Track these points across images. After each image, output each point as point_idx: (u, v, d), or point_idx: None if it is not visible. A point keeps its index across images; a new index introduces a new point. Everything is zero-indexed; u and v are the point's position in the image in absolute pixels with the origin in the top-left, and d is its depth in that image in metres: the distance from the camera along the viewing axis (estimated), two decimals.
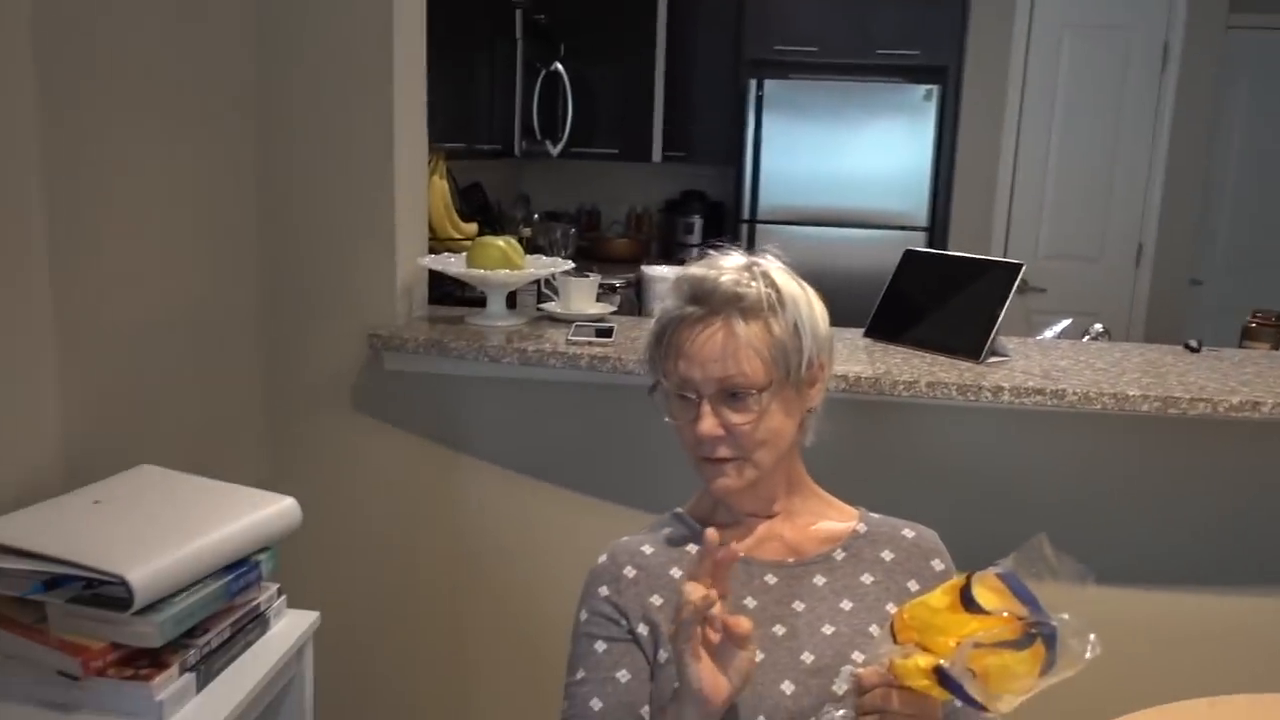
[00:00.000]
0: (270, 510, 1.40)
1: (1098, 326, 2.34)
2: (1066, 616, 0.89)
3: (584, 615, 1.24)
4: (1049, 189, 4.54)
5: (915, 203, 4.47)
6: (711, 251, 1.24)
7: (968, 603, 0.93)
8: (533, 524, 2.04)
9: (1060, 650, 0.88)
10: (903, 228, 4.45)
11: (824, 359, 1.22)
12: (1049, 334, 2.40)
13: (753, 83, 4.45)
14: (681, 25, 4.68)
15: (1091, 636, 0.88)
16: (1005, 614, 0.91)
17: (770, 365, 1.15)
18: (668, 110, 4.75)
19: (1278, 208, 4.90)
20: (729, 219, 4.88)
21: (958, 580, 0.96)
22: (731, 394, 1.15)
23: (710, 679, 1.01)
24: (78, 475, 1.47)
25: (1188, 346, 2.06)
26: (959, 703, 0.93)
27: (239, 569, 1.32)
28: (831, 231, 4.49)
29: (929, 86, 4.40)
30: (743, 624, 1.01)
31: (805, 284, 1.23)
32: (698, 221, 4.98)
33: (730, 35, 4.68)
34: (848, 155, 4.47)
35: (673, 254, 4.87)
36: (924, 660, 0.93)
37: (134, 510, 1.36)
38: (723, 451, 1.17)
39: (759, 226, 4.54)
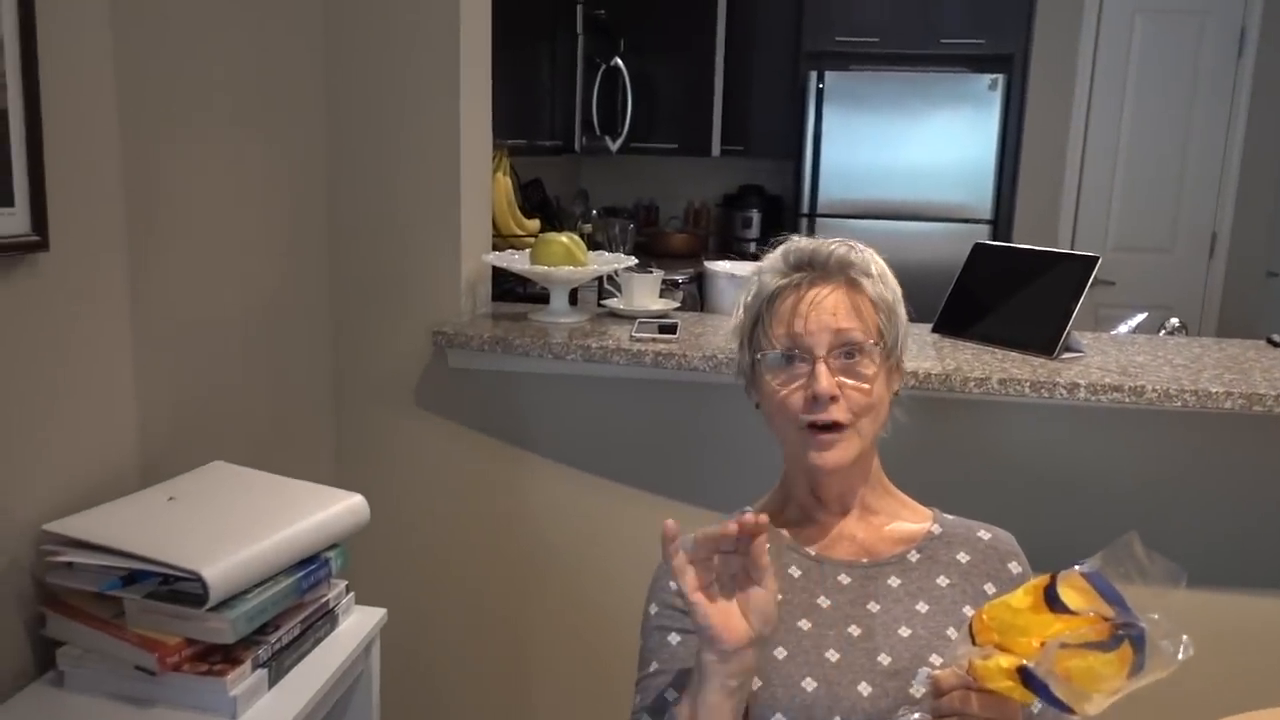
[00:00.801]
0: (339, 507, 1.41)
1: (1174, 321, 2.27)
2: (1156, 617, 0.86)
3: (654, 609, 1.23)
4: (1118, 179, 4.43)
5: (979, 195, 4.38)
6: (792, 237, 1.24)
7: (1052, 602, 0.90)
8: (596, 522, 2.04)
9: (1150, 652, 0.85)
10: (966, 220, 4.37)
11: (905, 347, 1.22)
12: (1123, 329, 2.33)
13: (813, 75, 4.40)
14: (741, 18, 4.64)
15: (1184, 638, 0.84)
16: (1091, 614, 0.88)
17: (885, 325, 1.17)
18: (726, 104, 4.72)
19: None
20: (788, 213, 4.83)
21: (1041, 580, 0.93)
22: (847, 353, 1.15)
23: (723, 620, 0.97)
24: (153, 472, 1.49)
25: (1270, 341, 1.99)
26: (1040, 705, 0.90)
27: (309, 566, 1.34)
28: (893, 225, 4.42)
29: (994, 75, 4.31)
30: (759, 529, 0.95)
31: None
32: (756, 216, 4.94)
33: (790, 27, 4.63)
34: (910, 147, 4.40)
35: (731, 249, 4.84)
36: (1006, 661, 0.90)
37: (207, 507, 1.37)
38: (836, 413, 1.14)
39: (819, 220, 4.50)
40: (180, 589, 1.18)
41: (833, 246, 1.19)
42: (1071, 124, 4.39)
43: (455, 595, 2.14)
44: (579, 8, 3.44)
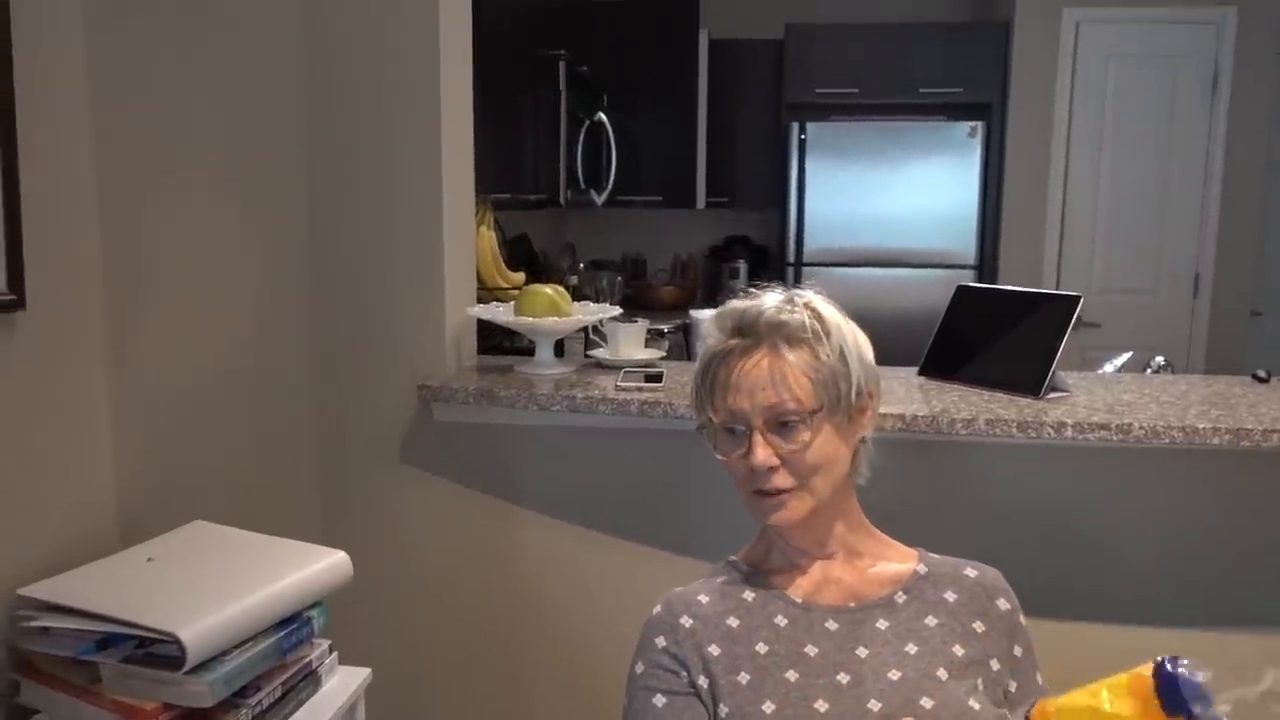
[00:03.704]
0: (322, 565, 1.39)
1: (1159, 359, 2.27)
2: None
3: (640, 668, 1.21)
4: (1100, 222, 4.47)
5: (963, 241, 4.42)
6: (752, 290, 1.24)
7: (1172, 705, 0.83)
8: (586, 574, 2.01)
9: None
10: (951, 266, 4.40)
11: (872, 388, 1.21)
12: (1109, 368, 2.34)
13: (795, 126, 4.45)
14: (722, 72, 4.71)
15: None
16: None
17: (819, 390, 1.15)
18: (710, 156, 4.77)
19: None
20: (774, 263, 4.86)
21: (1142, 673, 0.86)
22: (782, 422, 1.14)
23: None
24: (131, 532, 1.47)
25: (1256, 377, 1.99)
26: None
27: (291, 625, 1.31)
28: (879, 272, 4.45)
29: (973, 123, 4.37)
30: None
31: (848, 317, 1.22)
32: (743, 266, 4.96)
33: (771, 80, 4.69)
34: (893, 195, 4.44)
35: (719, 300, 4.84)
36: None
37: (186, 567, 1.35)
38: (778, 481, 1.15)
39: (805, 269, 4.52)
40: (157, 652, 1.16)
41: (765, 307, 1.17)
42: (1051, 169, 4.44)
43: (443, 653, 2.10)
44: (561, 64, 3.48)
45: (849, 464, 1.20)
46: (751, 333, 1.16)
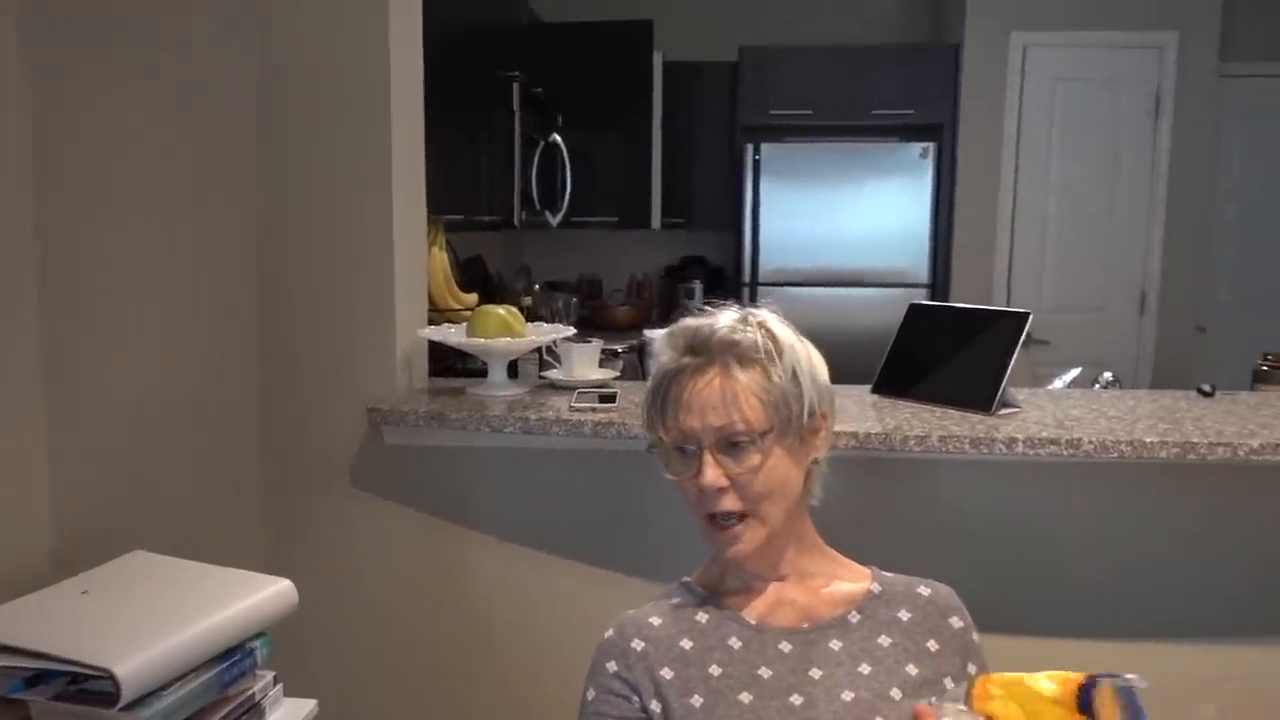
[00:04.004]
0: (265, 594, 1.35)
1: (1107, 375, 2.30)
2: None
3: (591, 694, 1.19)
4: (1049, 241, 4.53)
5: (916, 260, 4.46)
6: (707, 308, 1.23)
7: (1083, 706, 0.87)
8: (540, 598, 1.99)
9: None
10: (904, 285, 4.43)
11: (825, 409, 1.20)
12: (1058, 384, 2.36)
13: (749, 147, 4.48)
14: (677, 93, 4.73)
15: None
16: None
17: (770, 411, 1.13)
18: (665, 177, 4.78)
19: (1278, 253, 4.89)
20: (730, 283, 4.87)
21: (1075, 676, 0.90)
22: (732, 443, 1.13)
23: None
24: (68, 564, 1.42)
25: (1201, 391, 2.02)
26: None
27: (232, 657, 1.27)
28: (833, 292, 4.47)
29: (925, 144, 4.42)
30: None
31: (802, 336, 1.21)
32: (698, 286, 4.97)
33: (726, 101, 4.72)
34: (847, 215, 4.47)
35: (674, 319, 4.84)
36: None
37: (123, 599, 1.31)
38: (728, 504, 1.14)
39: (760, 289, 4.53)
40: (91, 688, 1.12)
41: (718, 326, 1.16)
42: (1001, 189, 4.50)
43: (392, 681, 2.06)
44: (515, 85, 3.47)
45: (801, 486, 1.19)
46: (704, 351, 1.15)
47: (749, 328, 1.17)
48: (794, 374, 1.16)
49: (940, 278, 4.55)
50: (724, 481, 1.13)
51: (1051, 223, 4.52)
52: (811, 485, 1.22)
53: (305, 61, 1.94)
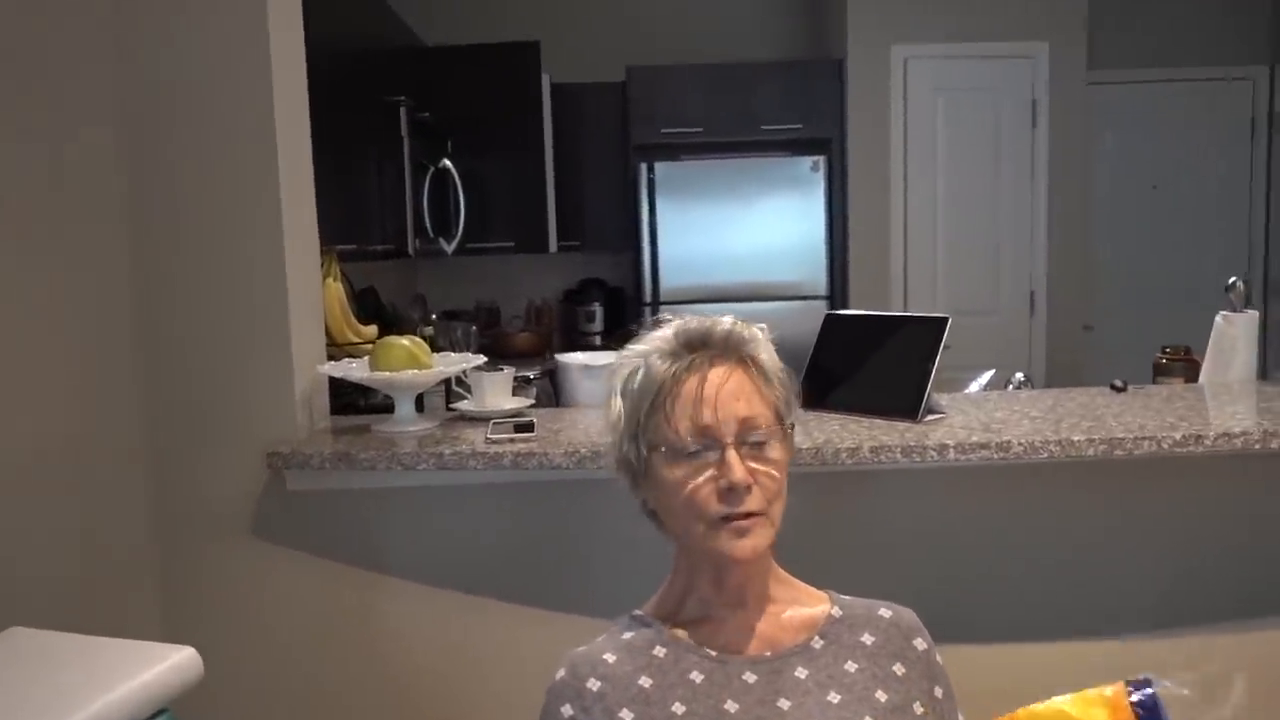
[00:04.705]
0: (166, 664, 1.23)
1: (1019, 375, 2.32)
2: None
3: None
4: (940, 247, 4.63)
5: (814, 272, 4.49)
6: (665, 318, 1.17)
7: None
8: (467, 643, 1.88)
9: None
10: (805, 297, 4.46)
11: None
12: (975, 387, 2.37)
13: (643, 166, 4.45)
14: (566, 115, 4.67)
15: None
16: None
17: (780, 408, 1.11)
18: (560, 200, 4.70)
19: (1154, 251, 5.10)
20: (630, 304, 4.83)
21: (1110, 697, 0.84)
22: (755, 438, 1.08)
23: None
24: None
25: (1114, 387, 2.05)
26: None
27: None
28: (735, 307, 4.45)
29: (815, 158, 4.46)
30: None
31: None
32: (598, 310, 4.92)
33: (616, 121, 4.69)
34: (743, 231, 4.48)
35: (576, 344, 4.78)
36: None
37: (1, 686, 1.16)
38: (753, 503, 1.07)
39: (662, 307, 4.49)
40: None
41: (725, 323, 1.13)
42: (891, 199, 4.58)
43: None
44: (402, 110, 3.37)
45: None
46: (716, 345, 1.11)
47: (748, 327, 1.14)
48: (783, 372, 1.14)
49: (839, 288, 4.60)
50: (750, 478, 1.07)
51: (941, 230, 4.61)
52: None
53: (181, 84, 1.81)
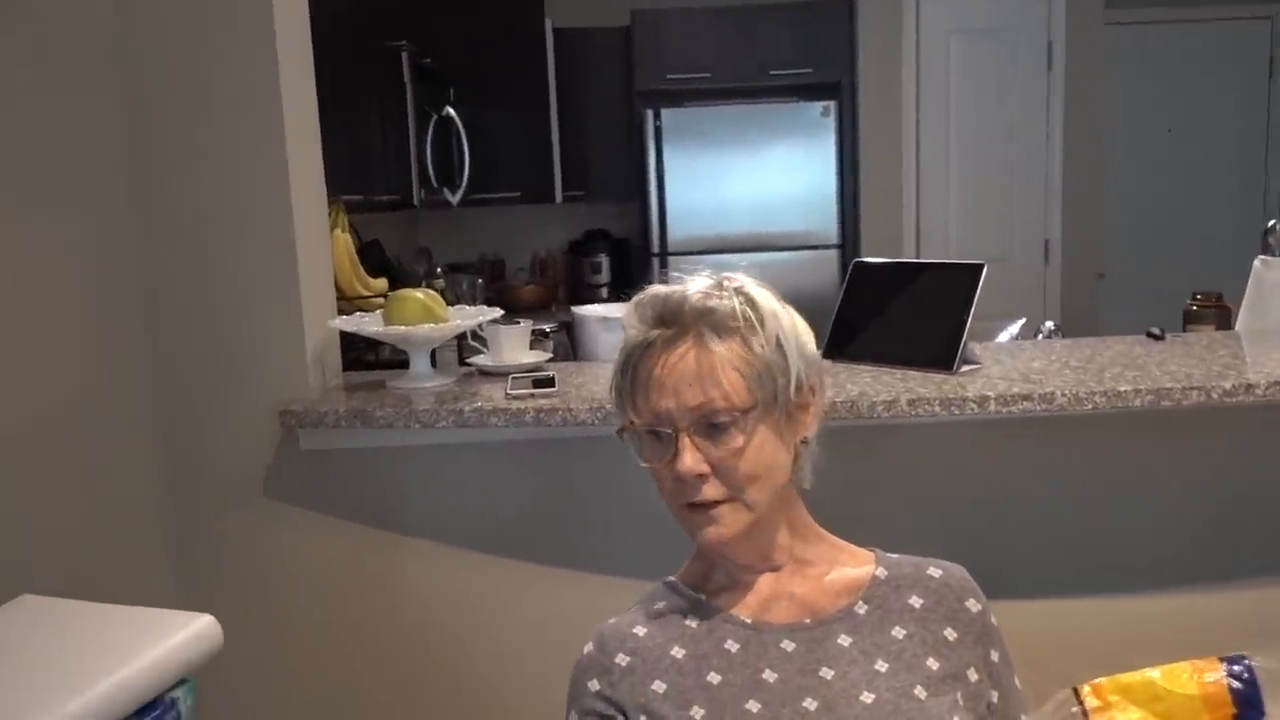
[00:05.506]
0: (185, 634, 1.18)
1: (1049, 324, 2.26)
2: None
3: (573, 718, 1.05)
4: (953, 193, 4.54)
5: (825, 220, 4.40)
6: (676, 274, 1.09)
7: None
8: (490, 606, 1.83)
9: None
10: (815, 246, 4.38)
11: (814, 381, 1.08)
12: (1005, 336, 2.31)
13: (649, 113, 4.35)
14: (569, 62, 4.56)
15: None
16: None
17: (753, 386, 1.01)
18: (564, 149, 4.60)
19: (1167, 197, 5.01)
20: (637, 255, 4.74)
21: (1202, 667, 0.79)
22: (711, 423, 1.00)
23: None
24: None
25: (1151, 335, 1.98)
26: None
27: (151, 713, 1.10)
28: (745, 257, 4.38)
29: (825, 103, 4.36)
30: None
31: (785, 303, 1.09)
32: (605, 261, 4.83)
33: (620, 67, 4.57)
34: (752, 179, 4.39)
35: (581, 296, 4.71)
36: None
37: (12, 657, 1.12)
38: (709, 492, 1.01)
39: (670, 258, 4.42)
40: None
41: (690, 293, 1.04)
42: (904, 144, 4.49)
43: (331, 713, 1.88)
44: (405, 56, 3.26)
45: (789, 469, 1.07)
46: (675, 322, 1.02)
47: (724, 294, 1.04)
48: (778, 343, 1.04)
49: (850, 236, 4.51)
50: (704, 467, 1.00)
51: (955, 175, 4.53)
52: (801, 467, 1.10)
53: (182, 29, 1.71)
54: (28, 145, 1.49)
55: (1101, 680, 0.88)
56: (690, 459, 1.00)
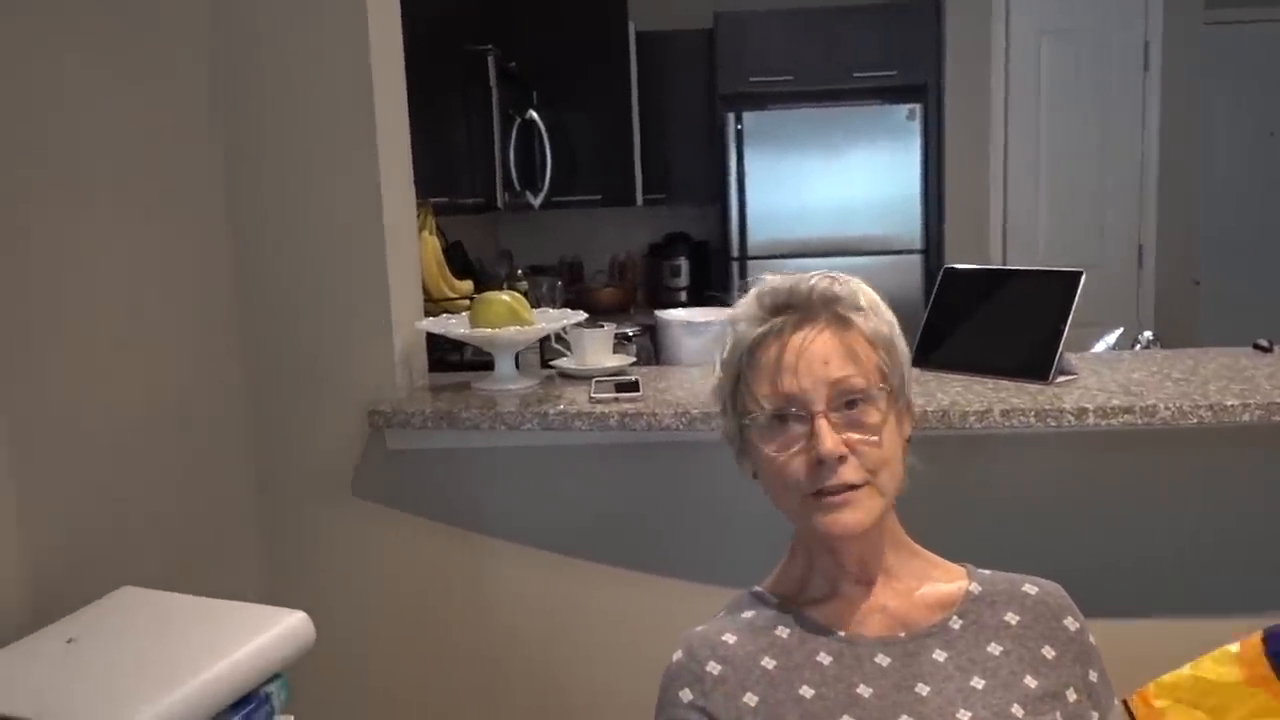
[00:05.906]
0: (279, 630, 1.20)
1: (1147, 334, 2.18)
2: None
3: None
4: (1042, 198, 4.42)
5: (908, 225, 4.32)
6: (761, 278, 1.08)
7: None
8: (573, 609, 1.83)
9: None
10: (897, 252, 4.31)
11: (910, 385, 1.06)
12: (1101, 346, 2.24)
13: (730, 117, 4.32)
14: (651, 65, 4.56)
15: None
16: None
17: (885, 365, 1.01)
18: (645, 151, 4.60)
19: (1269, 203, 4.82)
20: (716, 259, 4.72)
21: (1240, 646, 0.77)
22: (848, 402, 0.99)
23: None
24: (47, 607, 1.26)
25: (1258, 346, 1.90)
26: None
27: (246, 706, 1.12)
28: (825, 262, 4.29)
29: (910, 105, 4.28)
30: None
31: None
32: (684, 264, 4.81)
33: (703, 70, 4.56)
34: (834, 182, 4.33)
35: (660, 299, 4.70)
36: None
37: (115, 647, 1.15)
38: (847, 474, 0.98)
39: (750, 263, 4.39)
40: None
41: (813, 281, 1.03)
42: (991, 147, 4.39)
43: (416, 709, 1.90)
44: (490, 60, 3.29)
45: (905, 466, 1.05)
46: (803, 306, 1.02)
47: (843, 283, 1.04)
48: (896, 334, 1.04)
49: (934, 242, 4.43)
50: (844, 449, 0.98)
51: (1044, 179, 4.41)
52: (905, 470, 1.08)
53: (276, 37, 1.76)
54: (130, 159, 1.54)
55: (1148, 687, 0.84)
56: (830, 440, 0.97)
